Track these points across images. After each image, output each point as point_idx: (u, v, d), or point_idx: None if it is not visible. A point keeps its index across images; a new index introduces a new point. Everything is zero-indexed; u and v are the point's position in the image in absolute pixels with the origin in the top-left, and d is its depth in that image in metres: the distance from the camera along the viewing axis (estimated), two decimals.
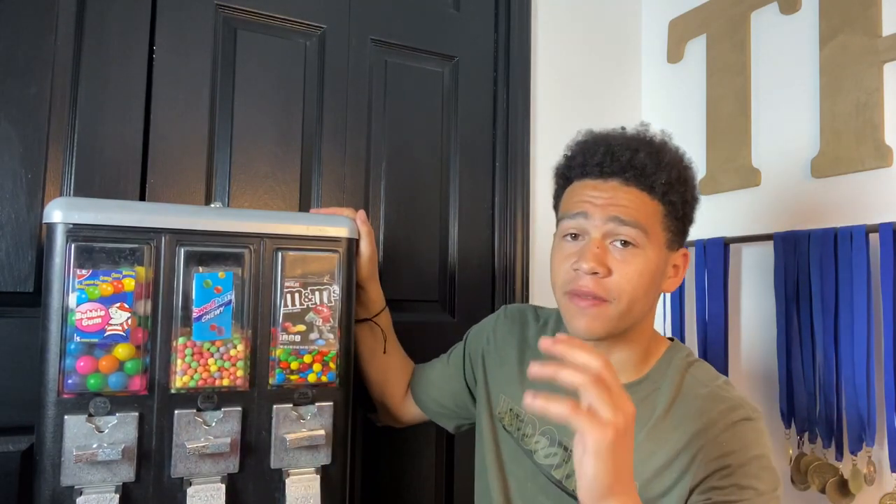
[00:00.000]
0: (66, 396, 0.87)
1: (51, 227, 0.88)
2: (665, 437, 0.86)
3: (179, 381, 0.92)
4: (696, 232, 1.58)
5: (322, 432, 1.00)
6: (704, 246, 1.51)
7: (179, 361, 0.92)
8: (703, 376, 0.91)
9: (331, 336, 1.02)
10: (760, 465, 0.81)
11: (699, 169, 1.61)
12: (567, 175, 0.92)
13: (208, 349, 0.94)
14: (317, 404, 1.01)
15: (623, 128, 0.93)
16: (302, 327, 1.00)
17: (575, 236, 0.87)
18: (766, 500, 0.80)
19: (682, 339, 1.57)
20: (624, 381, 0.92)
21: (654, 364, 0.93)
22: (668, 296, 1.63)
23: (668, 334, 1.61)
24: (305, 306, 1.01)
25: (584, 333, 0.87)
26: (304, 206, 1.39)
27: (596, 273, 0.83)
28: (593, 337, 0.87)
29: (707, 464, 0.82)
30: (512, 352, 1.07)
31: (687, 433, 0.85)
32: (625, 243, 0.84)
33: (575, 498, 0.90)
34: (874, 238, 1.21)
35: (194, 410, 0.93)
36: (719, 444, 0.82)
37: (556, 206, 0.95)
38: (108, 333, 0.88)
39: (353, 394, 1.07)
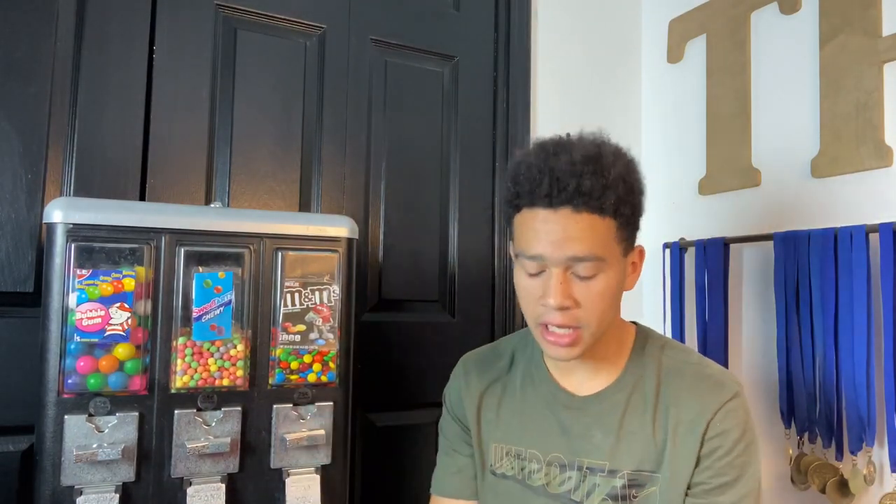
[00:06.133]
0: (66, 396, 0.87)
1: (51, 227, 0.88)
2: (660, 424, 0.90)
3: (179, 381, 0.92)
4: (697, 232, 1.59)
5: (322, 432, 1.00)
6: (704, 246, 1.51)
7: (179, 361, 0.93)
8: (680, 357, 0.95)
9: (331, 336, 1.02)
10: (751, 439, 0.88)
11: (698, 168, 1.61)
12: (516, 204, 0.89)
13: (208, 349, 0.94)
14: (317, 404, 1.01)
15: (568, 134, 0.91)
16: (302, 327, 1.00)
17: (537, 271, 0.88)
18: (756, 470, 0.88)
19: (682, 340, 1.57)
20: (606, 384, 0.94)
21: (628, 355, 0.96)
22: (668, 296, 1.63)
23: (669, 334, 1.62)
24: (305, 306, 1.01)
25: (563, 359, 0.90)
26: (304, 206, 1.39)
27: (565, 307, 0.84)
28: (572, 359, 0.90)
29: (704, 444, 0.87)
30: (490, 398, 1.03)
31: (679, 417, 0.89)
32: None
33: None
34: (874, 238, 1.21)
35: (194, 410, 0.93)
36: (713, 426, 0.87)
37: (509, 229, 0.94)
38: (108, 333, 0.88)
39: (353, 394, 1.07)
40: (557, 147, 0.86)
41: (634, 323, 1.01)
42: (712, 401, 0.88)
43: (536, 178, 0.84)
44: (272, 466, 0.98)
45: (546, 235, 0.84)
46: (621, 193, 0.84)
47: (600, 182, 0.82)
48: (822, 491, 1.25)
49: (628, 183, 0.86)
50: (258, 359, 0.98)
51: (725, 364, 1.47)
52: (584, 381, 0.95)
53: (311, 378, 1.00)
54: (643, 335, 0.98)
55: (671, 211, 1.69)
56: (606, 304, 0.86)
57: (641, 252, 0.94)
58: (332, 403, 1.02)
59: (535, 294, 0.87)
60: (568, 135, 0.90)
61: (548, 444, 0.95)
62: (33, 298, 1.11)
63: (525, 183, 0.86)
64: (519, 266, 0.90)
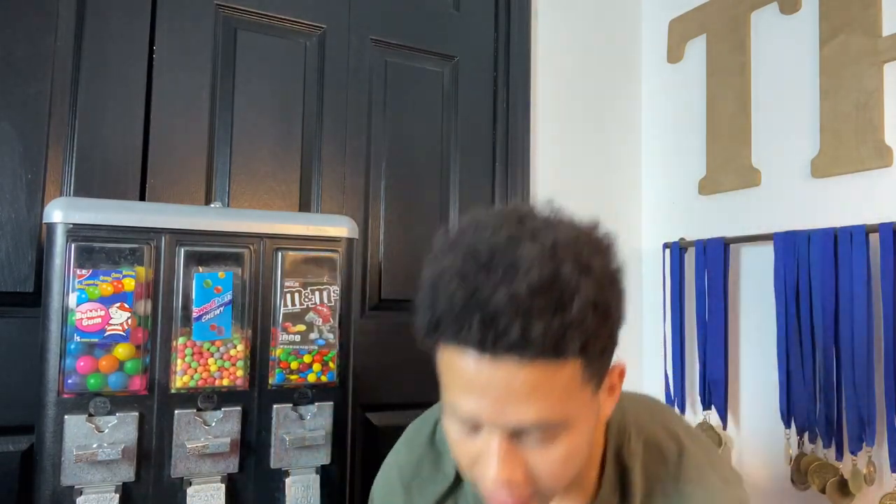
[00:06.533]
0: (66, 396, 0.87)
1: (51, 227, 0.88)
2: None
3: (179, 381, 0.92)
4: (697, 232, 1.59)
5: (322, 432, 1.00)
6: (704, 246, 1.51)
7: (179, 361, 0.93)
8: (665, 468, 0.76)
9: (331, 336, 1.02)
10: None
11: (698, 168, 1.61)
12: (436, 337, 0.60)
13: (208, 349, 0.94)
14: (317, 404, 1.01)
15: (511, 216, 0.61)
16: (302, 327, 1.00)
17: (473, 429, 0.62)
18: None
19: (682, 339, 1.57)
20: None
21: (600, 461, 0.75)
22: (668, 296, 1.63)
23: (668, 334, 1.62)
24: (305, 306, 1.01)
25: None
26: (304, 206, 1.39)
27: (512, 484, 0.60)
28: None
29: None
30: None
31: None
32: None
33: None
34: (874, 238, 1.21)
35: (194, 410, 0.93)
36: None
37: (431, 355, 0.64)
38: (108, 333, 0.88)
39: (353, 393, 1.07)
40: (492, 258, 0.56)
41: None
42: None
43: (461, 311, 0.55)
44: (272, 466, 0.98)
45: (481, 393, 0.57)
46: (591, 326, 0.56)
47: (558, 321, 0.55)
48: (822, 491, 1.25)
49: (602, 307, 0.57)
50: (258, 359, 0.98)
51: (726, 364, 1.46)
52: None
53: (311, 378, 1.00)
54: (615, 432, 0.76)
55: (671, 211, 1.68)
56: (572, 465, 0.63)
57: (622, 373, 0.70)
58: (332, 403, 1.02)
59: (470, 454, 0.62)
60: (512, 218, 0.61)
61: None
62: (33, 298, 1.11)
63: (447, 311, 0.57)
64: (448, 416, 0.63)
